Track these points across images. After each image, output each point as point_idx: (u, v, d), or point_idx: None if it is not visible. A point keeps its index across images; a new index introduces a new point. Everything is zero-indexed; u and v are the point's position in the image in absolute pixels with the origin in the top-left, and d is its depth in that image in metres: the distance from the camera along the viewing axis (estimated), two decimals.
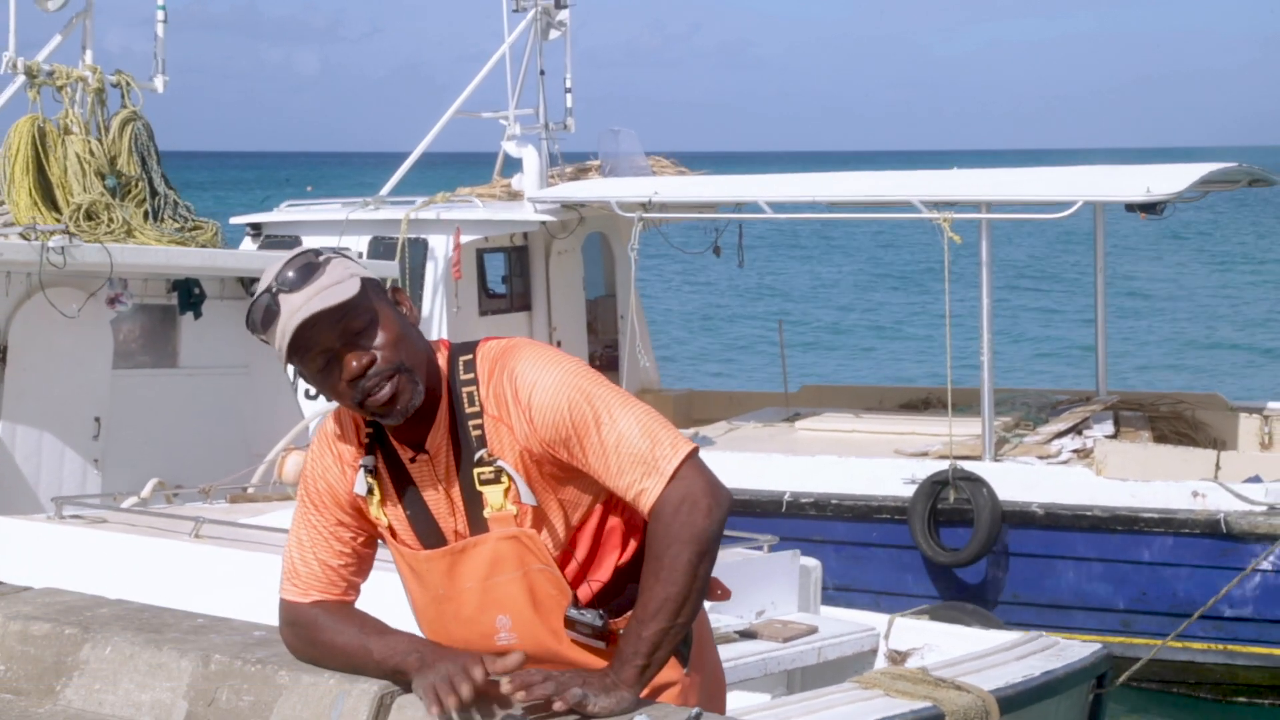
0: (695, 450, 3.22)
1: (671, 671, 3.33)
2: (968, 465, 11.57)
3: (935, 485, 11.50)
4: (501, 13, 15.58)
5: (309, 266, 3.21)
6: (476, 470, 3.28)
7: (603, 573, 3.36)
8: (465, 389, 3.29)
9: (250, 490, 9.99)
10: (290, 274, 3.20)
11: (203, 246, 10.99)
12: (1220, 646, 10.94)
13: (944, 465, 11.58)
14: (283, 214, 15.68)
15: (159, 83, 11.75)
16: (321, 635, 3.34)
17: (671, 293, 40.82)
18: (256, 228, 15.72)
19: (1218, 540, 10.74)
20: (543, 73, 15.80)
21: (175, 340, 11.14)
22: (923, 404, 14.91)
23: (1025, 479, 11.47)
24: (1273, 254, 52.92)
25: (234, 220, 15.98)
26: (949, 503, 11.46)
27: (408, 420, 3.27)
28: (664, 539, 3.15)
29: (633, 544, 3.36)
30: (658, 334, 31.06)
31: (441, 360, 3.32)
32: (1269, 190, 15.36)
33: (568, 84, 16.17)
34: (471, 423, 3.28)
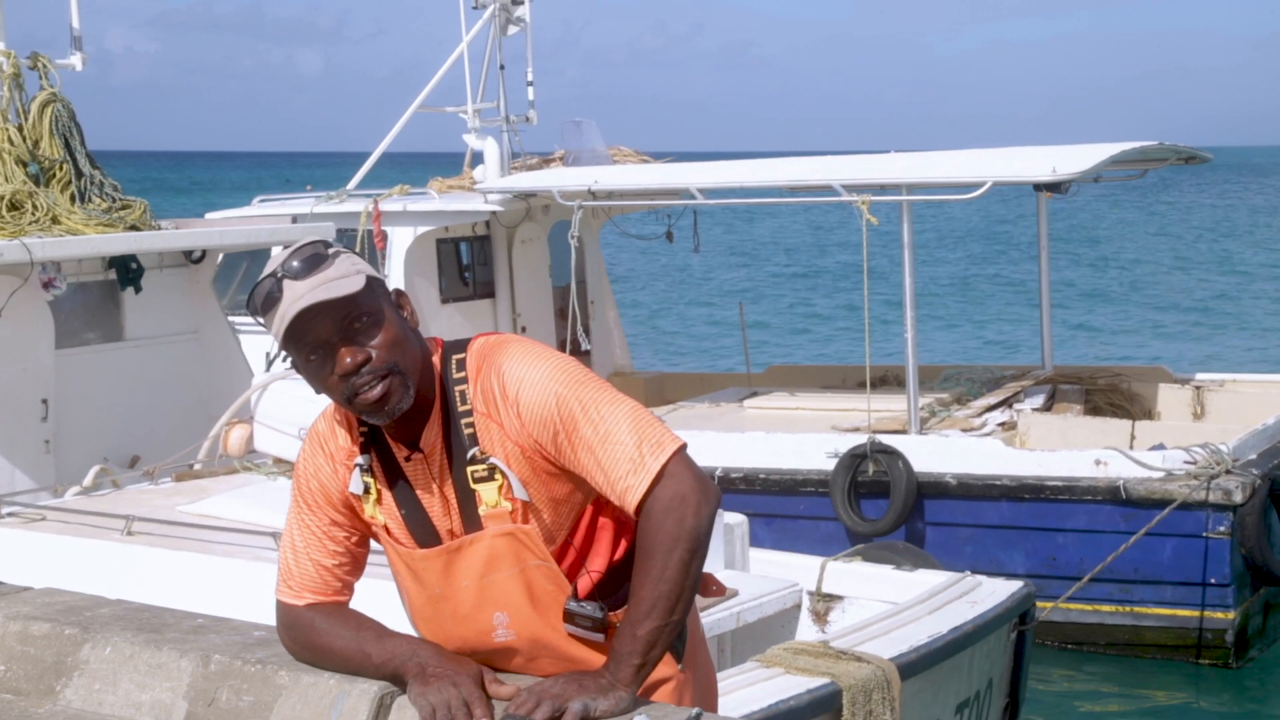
0: (683, 447, 3.21)
1: (666, 668, 3.34)
2: (888, 439, 12.00)
3: (854, 459, 11.94)
4: (460, 10, 16.06)
5: (316, 257, 3.19)
6: (470, 469, 3.27)
7: (598, 565, 3.37)
8: (458, 388, 3.28)
9: (197, 467, 10.19)
10: (296, 262, 3.18)
11: (132, 225, 10.82)
12: (1126, 609, 11.34)
13: (865, 439, 12.01)
14: (255, 209, 16.24)
15: (77, 60, 11.51)
16: (318, 639, 3.35)
17: (642, 279, 41.51)
18: None
19: (1118, 506, 11.13)
20: (502, 67, 16.28)
21: (119, 314, 11.18)
22: (880, 381, 15.31)
23: (939, 451, 11.88)
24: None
25: (208, 216, 16.54)
26: (868, 475, 11.90)
27: (403, 420, 3.27)
28: (654, 538, 3.14)
29: (625, 538, 3.37)
30: (637, 321, 31.64)
31: (435, 359, 3.32)
32: None
33: (529, 77, 16.64)
34: (464, 421, 3.27)
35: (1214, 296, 36.84)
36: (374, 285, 3.23)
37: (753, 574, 8.46)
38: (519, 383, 3.23)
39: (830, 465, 12.07)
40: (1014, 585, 8.15)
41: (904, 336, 12.56)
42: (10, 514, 9.18)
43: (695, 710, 3.11)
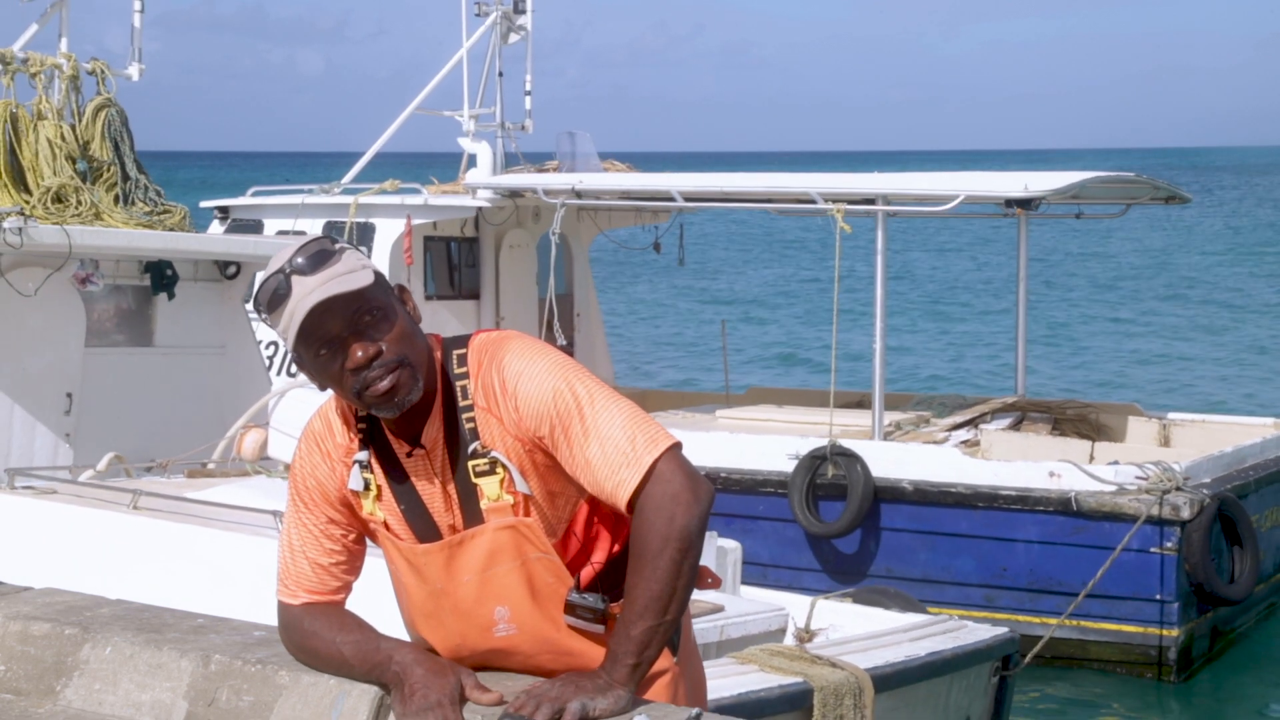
0: (676, 445, 3.19)
1: (662, 661, 3.33)
2: (848, 443, 12.13)
3: (814, 460, 12.06)
4: (461, 16, 16.36)
5: (323, 253, 3.20)
6: (471, 463, 3.27)
7: (600, 556, 3.37)
8: (459, 383, 3.29)
9: (210, 466, 10.32)
10: (303, 258, 3.19)
11: (170, 229, 11.11)
12: (1073, 622, 11.42)
13: (825, 443, 12.14)
14: (248, 199, 16.50)
15: (134, 70, 11.90)
16: (306, 641, 3.37)
17: (631, 295, 41.87)
18: (224, 211, 16.55)
19: (1069, 518, 11.25)
20: (501, 74, 16.56)
21: (150, 320, 11.39)
22: (857, 405, 15.47)
23: (898, 457, 12.01)
24: None
25: (204, 204, 16.80)
26: (827, 477, 12.03)
27: (405, 415, 3.27)
28: (646, 536, 3.14)
29: (625, 531, 3.35)
30: (624, 337, 31.81)
31: (436, 355, 3.33)
32: None
33: (527, 86, 16.92)
34: (465, 416, 3.28)
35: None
36: (381, 280, 3.26)
37: (742, 596, 8.52)
38: (518, 377, 3.24)
39: (791, 467, 12.19)
40: (998, 629, 8.27)
41: (873, 346, 12.71)
42: (26, 487, 9.31)
43: (695, 710, 3.13)
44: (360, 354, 3.18)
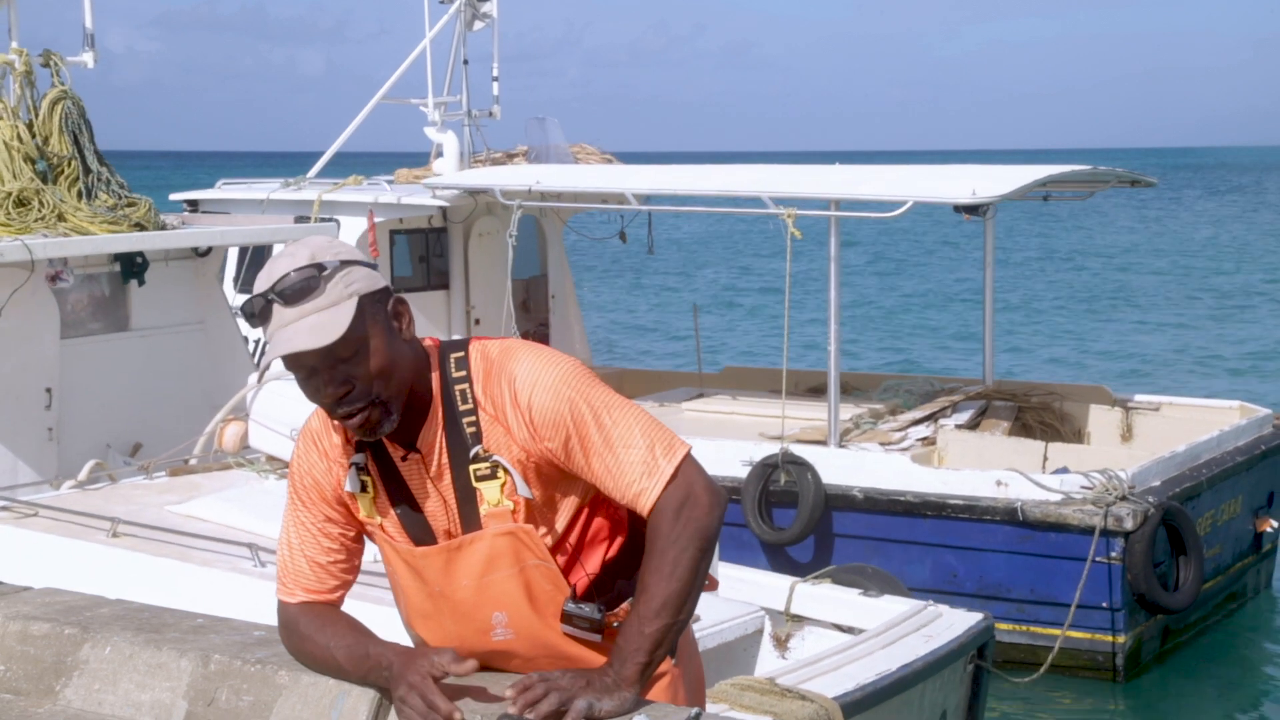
0: (690, 451, 3.31)
1: (661, 664, 3.37)
2: (801, 450, 12.17)
3: (766, 468, 12.12)
4: (424, 4, 16.28)
5: (309, 282, 3.18)
6: (472, 467, 3.29)
7: (594, 565, 3.42)
8: (458, 386, 3.30)
9: (192, 461, 10.36)
10: (286, 285, 3.19)
11: (136, 223, 11.06)
12: (1023, 628, 11.49)
13: (778, 449, 12.19)
14: (217, 192, 16.53)
15: (88, 58, 11.79)
16: (303, 644, 3.41)
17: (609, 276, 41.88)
18: (193, 204, 16.57)
19: (1016, 527, 11.29)
20: (466, 62, 16.51)
21: (125, 304, 11.39)
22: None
23: (849, 464, 12.04)
24: None
25: (173, 197, 16.83)
26: (780, 485, 12.08)
27: (400, 420, 3.29)
28: (668, 537, 3.21)
29: (619, 539, 3.43)
30: (609, 317, 31.79)
31: (433, 359, 3.33)
32: None
33: (494, 73, 16.87)
34: (466, 420, 3.29)
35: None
36: (365, 309, 3.22)
37: (719, 596, 8.44)
38: (531, 388, 3.26)
39: (744, 473, 12.24)
40: (973, 618, 8.28)
41: (827, 349, 12.71)
42: (3, 508, 9.31)
43: (695, 710, 3.20)
44: (331, 390, 3.21)
